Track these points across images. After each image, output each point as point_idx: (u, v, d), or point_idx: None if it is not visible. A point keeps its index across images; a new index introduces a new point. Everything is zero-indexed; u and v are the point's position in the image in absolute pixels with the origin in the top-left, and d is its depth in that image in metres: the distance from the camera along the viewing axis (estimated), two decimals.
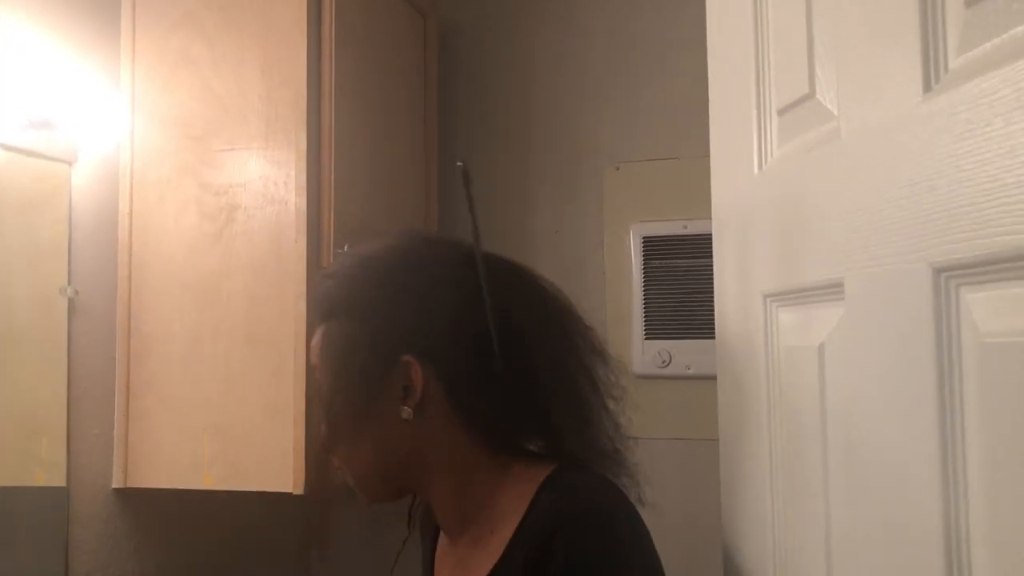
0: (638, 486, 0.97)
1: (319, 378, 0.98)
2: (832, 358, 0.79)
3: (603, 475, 0.94)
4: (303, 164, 1.51)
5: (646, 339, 2.03)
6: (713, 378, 1.07)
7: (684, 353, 2.00)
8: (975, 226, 0.59)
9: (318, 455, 1.00)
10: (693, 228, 1.99)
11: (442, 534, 1.05)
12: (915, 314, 0.65)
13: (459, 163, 0.96)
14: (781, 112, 0.90)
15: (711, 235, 1.08)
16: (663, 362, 2.01)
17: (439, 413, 0.93)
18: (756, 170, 0.95)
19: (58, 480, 1.44)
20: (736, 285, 1.01)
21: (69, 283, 1.47)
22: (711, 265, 1.08)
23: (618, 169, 2.11)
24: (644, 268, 2.05)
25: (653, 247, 2.05)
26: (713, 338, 1.07)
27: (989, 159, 0.57)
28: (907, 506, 0.67)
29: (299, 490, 1.47)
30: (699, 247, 1.97)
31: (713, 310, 1.07)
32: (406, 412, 0.92)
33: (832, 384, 0.79)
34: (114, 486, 1.54)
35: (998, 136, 0.57)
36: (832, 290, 0.78)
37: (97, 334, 1.53)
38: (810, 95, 0.83)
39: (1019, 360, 0.56)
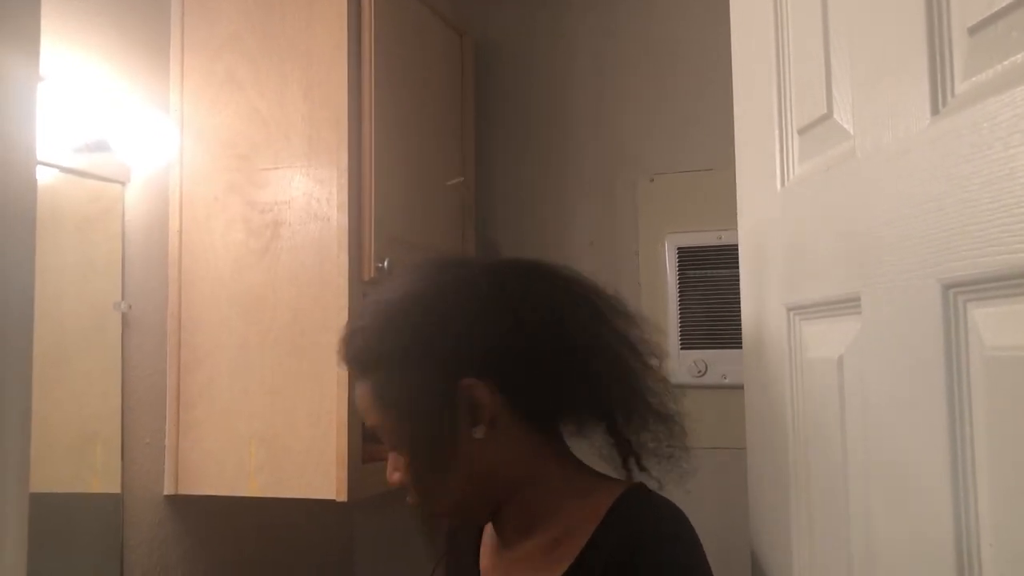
0: (686, 451, 1.00)
1: (380, 430, 0.99)
2: (850, 370, 0.82)
3: (670, 500, 0.97)
4: (344, 182, 1.56)
5: (682, 349, 2.05)
6: None
7: (720, 363, 2.02)
8: (979, 245, 0.61)
9: (420, 511, 1.03)
10: (727, 239, 2.01)
11: (488, 536, 1.08)
12: (926, 328, 0.68)
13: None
14: (801, 131, 0.92)
15: None
16: (699, 372, 2.03)
17: (510, 423, 0.97)
18: (779, 187, 0.97)
19: (113, 487, 1.51)
20: (762, 298, 1.04)
21: (122, 298, 1.53)
22: None
23: (652, 180, 2.13)
24: (679, 278, 2.07)
25: (688, 257, 2.07)
26: None
27: (990, 181, 0.60)
28: (920, 512, 0.69)
29: (342, 497, 1.52)
30: (733, 258, 1.93)
31: None
32: (480, 431, 0.95)
33: (850, 395, 0.82)
34: (165, 493, 1.60)
35: (998, 159, 0.59)
36: (850, 304, 0.80)
37: (149, 347, 1.59)
38: (828, 115, 0.86)
39: (1021, 373, 0.58)
